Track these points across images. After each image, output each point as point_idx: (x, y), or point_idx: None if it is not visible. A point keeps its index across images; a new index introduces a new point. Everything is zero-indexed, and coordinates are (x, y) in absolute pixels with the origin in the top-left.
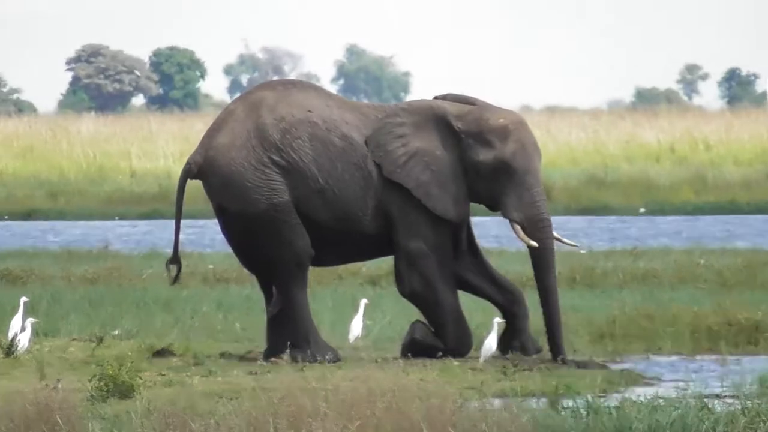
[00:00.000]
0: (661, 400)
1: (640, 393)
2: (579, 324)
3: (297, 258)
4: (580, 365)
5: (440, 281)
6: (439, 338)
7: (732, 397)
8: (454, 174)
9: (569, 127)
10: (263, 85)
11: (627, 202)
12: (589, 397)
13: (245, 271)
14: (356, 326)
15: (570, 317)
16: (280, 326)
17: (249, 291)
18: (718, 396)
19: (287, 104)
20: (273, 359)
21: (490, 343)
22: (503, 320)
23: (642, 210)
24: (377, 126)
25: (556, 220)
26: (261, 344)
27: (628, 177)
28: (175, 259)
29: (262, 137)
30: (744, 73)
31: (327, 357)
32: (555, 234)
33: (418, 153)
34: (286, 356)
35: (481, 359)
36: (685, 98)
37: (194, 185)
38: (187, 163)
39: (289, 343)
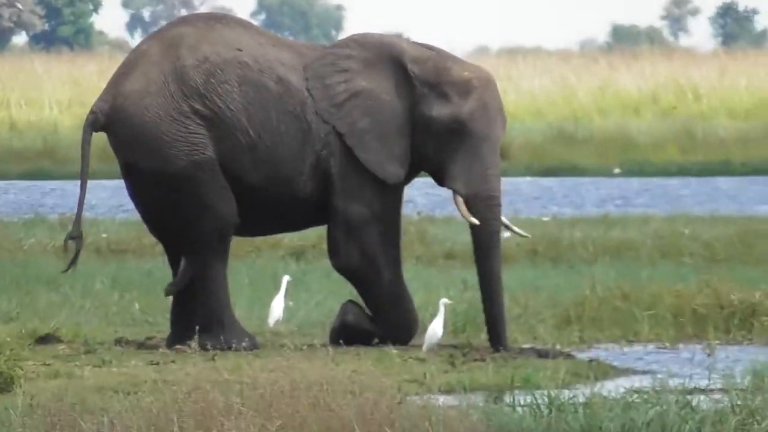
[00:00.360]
0: (636, 396)
1: (612, 387)
2: (541, 305)
3: (219, 226)
4: (541, 354)
5: (382, 255)
6: (376, 322)
7: (721, 391)
8: (399, 127)
9: (532, 71)
10: (181, 20)
11: (600, 161)
12: (552, 392)
13: (145, 241)
14: (277, 307)
15: (530, 297)
16: (188, 307)
17: (150, 265)
18: (704, 391)
19: (211, 42)
20: (178, 346)
21: (436, 328)
22: (451, 302)
23: (617, 170)
24: (319, 54)
25: (515, 181)
26: (164, 329)
27: (601, 132)
28: (76, 232)
29: (182, 81)
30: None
31: (243, 344)
32: (504, 220)
33: (361, 93)
34: (193, 343)
35: (425, 347)
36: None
37: (76, 137)
38: (92, 112)
39: (197, 327)
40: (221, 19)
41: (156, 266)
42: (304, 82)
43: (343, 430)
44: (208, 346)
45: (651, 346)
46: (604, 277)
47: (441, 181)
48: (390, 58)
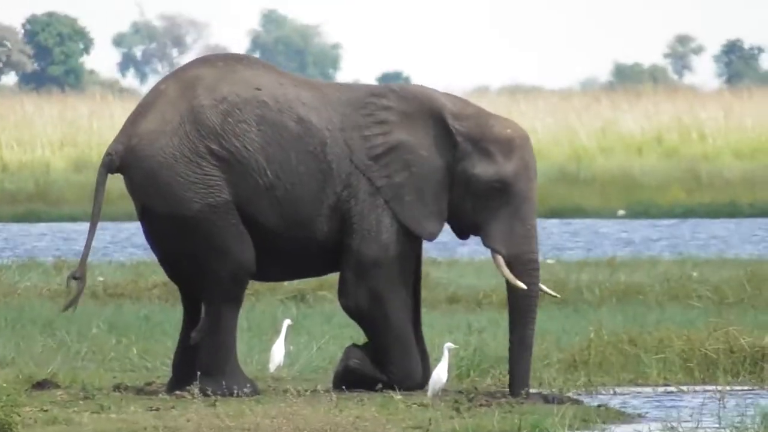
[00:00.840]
0: None
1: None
2: (547, 349)
3: (235, 272)
4: (548, 400)
5: (393, 298)
6: (381, 366)
7: None
8: (438, 183)
9: (534, 111)
10: (200, 60)
11: (604, 203)
12: None
13: (142, 284)
14: (278, 352)
15: (536, 341)
16: (192, 352)
17: (147, 309)
18: None
19: (230, 82)
20: (178, 392)
21: (440, 373)
22: (456, 346)
23: (622, 212)
24: (358, 104)
25: None
26: (163, 374)
27: (605, 173)
28: (79, 272)
29: (198, 122)
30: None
31: (244, 390)
32: (542, 286)
33: (399, 147)
34: (194, 389)
35: (429, 393)
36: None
37: (68, 179)
38: (107, 154)
39: (198, 373)
40: (242, 59)
41: (153, 310)
42: (333, 128)
43: None
44: (209, 392)
45: (660, 391)
46: (611, 321)
47: (479, 237)
48: (430, 111)
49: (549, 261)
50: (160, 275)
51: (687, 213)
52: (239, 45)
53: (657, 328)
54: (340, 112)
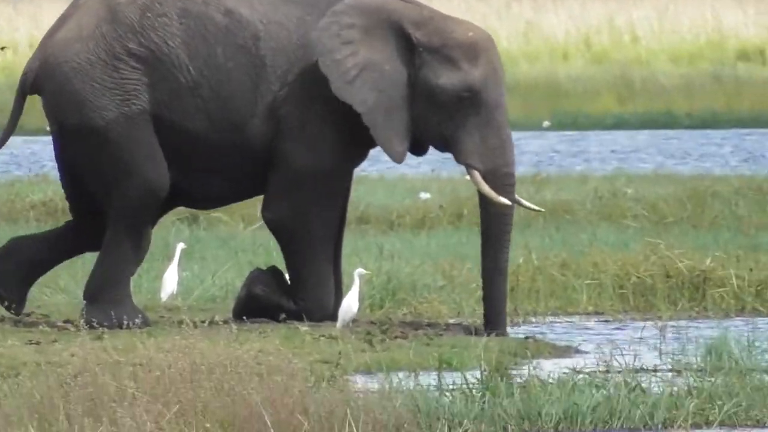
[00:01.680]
0: (579, 377)
1: (551, 367)
2: (468, 276)
3: (144, 192)
4: (470, 331)
5: (319, 217)
6: (290, 292)
7: (673, 372)
8: (402, 99)
9: (447, 11)
10: None
11: (527, 113)
12: (484, 374)
13: (18, 205)
14: (170, 280)
15: (455, 267)
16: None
17: (24, 232)
18: (654, 371)
19: None
20: (60, 323)
21: (350, 302)
22: (367, 272)
23: (547, 123)
24: (321, 25)
25: None
26: (44, 304)
27: (527, 80)
28: None
29: (115, 21)
30: None
31: (135, 321)
32: (517, 197)
33: (367, 66)
34: (79, 320)
35: (339, 323)
36: None
37: None
38: (23, 73)
39: (84, 301)
40: None
41: (32, 230)
42: (269, 21)
43: (250, 418)
44: (95, 323)
45: (593, 321)
46: (539, 244)
47: (447, 150)
48: (389, 22)
49: (467, 177)
50: (38, 194)
51: (619, 124)
52: None
53: (589, 250)
54: (298, 16)
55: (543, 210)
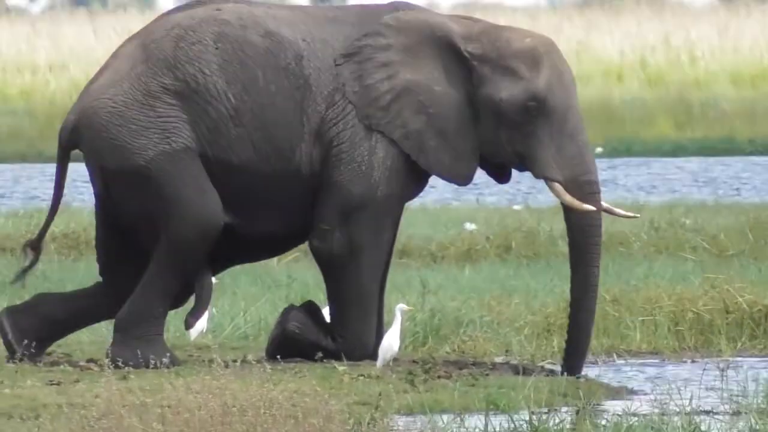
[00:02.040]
0: (634, 419)
1: (604, 408)
2: (516, 311)
3: (195, 227)
4: (518, 370)
5: (372, 252)
6: (331, 328)
7: (733, 414)
8: (461, 119)
9: None
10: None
11: None
12: (533, 415)
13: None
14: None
15: (503, 302)
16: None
17: (44, 265)
18: (713, 413)
19: (188, 11)
20: (83, 363)
21: (391, 340)
22: (409, 308)
23: (599, 150)
24: (352, 50)
25: None
26: (65, 342)
27: (580, 103)
28: (36, 243)
29: (149, 58)
30: None
31: (162, 360)
32: (604, 204)
33: (408, 89)
34: (104, 359)
35: (379, 362)
36: None
37: None
38: (61, 128)
39: (111, 340)
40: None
41: (51, 267)
42: (313, 39)
43: None
44: (121, 362)
45: (648, 359)
46: None
47: (524, 167)
48: (435, 39)
49: (516, 207)
50: (60, 225)
51: (677, 150)
52: None
53: (644, 285)
54: (345, 33)
55: (638, 216)
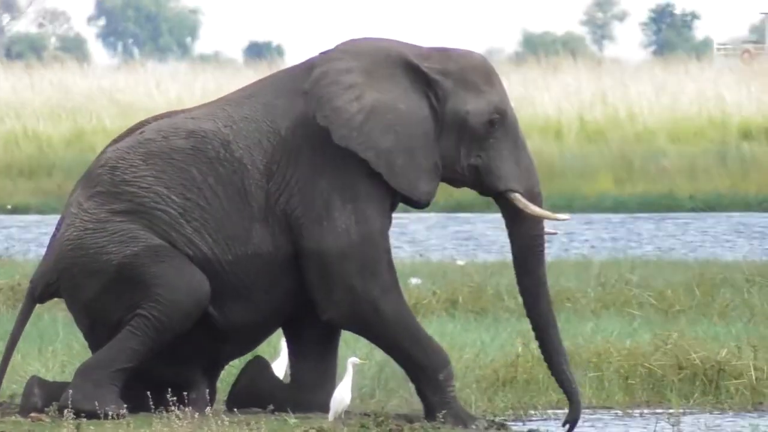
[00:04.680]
0: None
1: None
2: (465, 366)
3: (193, 291)
4: (468, 424)
5: (375, 288)
6: (401, 364)
7: None
8: (426, 136)
9: None
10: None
11: None
12: None
13: None
14: None
15: (452, 356)
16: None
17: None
18: None
19: (116, 147)
20: (33, 414)
21: (343, 392)
22: (362, 361)
23: None
24: (314, 77)
25: (420, 218)
26: (12, 392)
27: None
28: None
29: (92, 196)
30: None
31: (121, 411)
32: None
33: (376, 108)
34: (52, 409)
35: (331, 415)
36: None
37: None
38: (30, 281)
39: (70, 388)
40: (139, 127)
41: (12, 317)
42: (236, 120)
43: None
44: (73, 406)
45: (599, 414)
46: None
47: (483, 185)
48: (391, 61)
49: (459, 262)
50: (5, 276)
51: (618, 207)
52: (82, 10)
53: (592, 340)
54: (264, 103)
55: (568, 218)
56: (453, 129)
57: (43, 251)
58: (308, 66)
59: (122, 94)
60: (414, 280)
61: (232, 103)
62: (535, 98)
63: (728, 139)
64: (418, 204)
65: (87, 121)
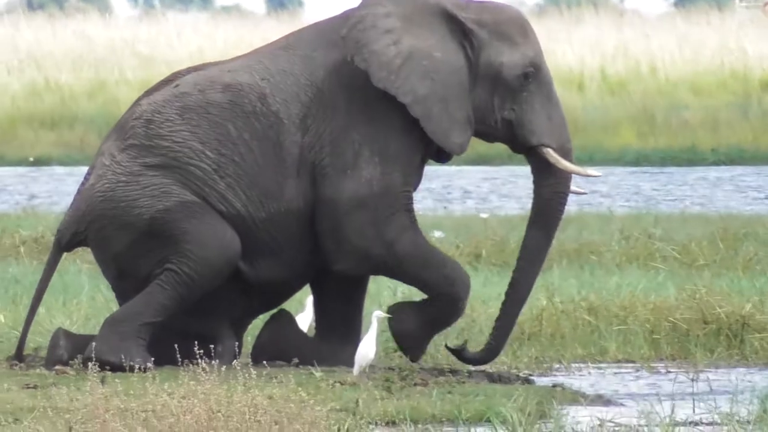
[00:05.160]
0: (615, 428)
1: (584, 418)
2: (489, 320)
3: (223, 249)
4: (494, 379)
5: (399, 233)
6: (428, 298)
7: (712, 425)
8: (460, 86)
9: None
10: (133, 104)
11: None
12: (516, 424)
13: (7, 241)
14: None
15: (476, 310)
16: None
17: (15, 269)
18: (695, 423)
19: (150, 98)
20: (58, 367)
21: (367, 347)
22: (386, 315)
23: None
24: (352, 22)
25: (442, 170)
26: (37, 345)
27: None
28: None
29: (126, 148)
30: None
31: (148, 363)
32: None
33: (413, 54)
34: (77, 361)
35: (355, 370)
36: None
37: None
38: (57, 231)
39: (96, 340)
40: (173, 76)
41: (23, 271)
42: (274, 73)
43: None
44: (98, 358)
45: (623, 369)
46: (563, 286)
47: (516, 139)
48: (429, 8)
49: (483, 215)
50: (28, 229)
51: (640, 160)
52: None
53: (618, 294)
54: (302, 56)
55: (599, 174)
56: (487, 80)
57: (66, 203)
58: (346, 17)
59: (144, 45)
60: (437, 233)
61: (268, 55)
62: (557, 51)
63: (750, 91)
64: (447, 157)
65: (109, 73)
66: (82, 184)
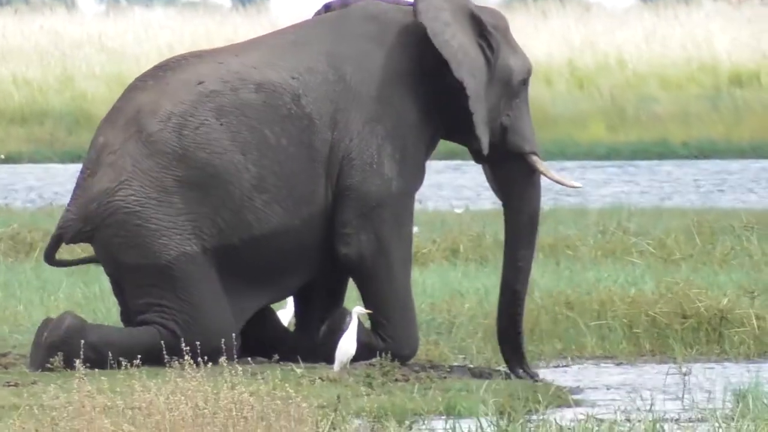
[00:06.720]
0: (596, 426)
1: (565, 413)
2: (468, 315)
3: (218, 337)
4: (475, 374)
5: (397, 247)
6: (378, 329)
7: (696, 421)
8: (485, 86)
9: None
10: (128, 89)
11: None
12: (498, 419)
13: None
14: None
15: (454, 305)
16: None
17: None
18: (676, 420)
19: (169, 94)
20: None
21: (348, 342)
22: (366, 310)
23: None
24: (418, 8)
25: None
26: (18, 343)
27: None
28: None
29: (154, 154)
30: None
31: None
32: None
33: (463, 49)
34: (56, 360)
35: (336, 365)
36: None
37: None
38: (58, 228)
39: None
40: (167, 65)
41: (12, 267)
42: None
43: None
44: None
45: (602, 364)
46: (539, 281)
47: (507, 144)
48: (462, 8)
49: (458, 211)
50: (1, 227)
51: (610, 154)
52: None
53: (595, 289)
54: (326, 52)
55: (581, 186)
56: (500, 84)
57: (38, 200)
58: (359, 8)
59: (111, 40)
60: (414, 229)
61: (284, 50)
62: (524, 45)
63: (720, 84)
64: (483, 158)
65: (77, 68)
66: (82, 177)
